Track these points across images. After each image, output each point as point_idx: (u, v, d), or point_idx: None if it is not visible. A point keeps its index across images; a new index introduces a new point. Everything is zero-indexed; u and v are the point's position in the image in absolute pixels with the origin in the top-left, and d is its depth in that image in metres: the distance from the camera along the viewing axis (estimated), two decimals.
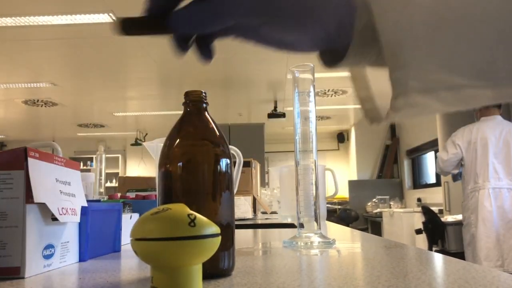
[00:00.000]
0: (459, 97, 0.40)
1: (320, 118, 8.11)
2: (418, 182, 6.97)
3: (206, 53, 0.42)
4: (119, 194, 1.12)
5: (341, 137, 9.61)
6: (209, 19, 0.39)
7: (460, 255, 3.05)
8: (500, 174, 2.89)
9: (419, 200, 6.18)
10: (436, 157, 3.66)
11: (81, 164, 8.26)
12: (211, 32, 0.41)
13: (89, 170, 6.99)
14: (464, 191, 3.07)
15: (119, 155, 9.87)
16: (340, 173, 6.69)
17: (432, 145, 5.70)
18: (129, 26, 0.40)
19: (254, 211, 2.27)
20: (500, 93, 0.39)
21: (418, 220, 4.47)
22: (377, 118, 0.45)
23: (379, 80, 0.44)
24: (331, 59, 0.43)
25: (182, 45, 0.41)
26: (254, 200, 2.31)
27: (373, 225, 7.16)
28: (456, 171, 3.08)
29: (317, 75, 0.79)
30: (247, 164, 2.31)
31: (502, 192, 2.86)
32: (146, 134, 9.12)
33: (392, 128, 7.79)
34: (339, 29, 0.40)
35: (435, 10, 0.37)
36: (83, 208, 0.62)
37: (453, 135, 3.14)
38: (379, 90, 0.45)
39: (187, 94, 0.53)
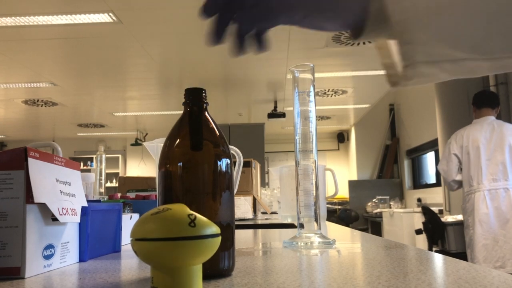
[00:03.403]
0: (460, 68, 0.48)
1: (320, 118, 8.11)
2: (418, 182, 6.97)
3: (263, 45, 0.52)
4: (119, 194, 1.12)
5: (341, 137, 9.61)
6: (267, 17, 0.49)
7: (460, 255, 3.04)
8: (495, 175, 2.88)
9: (419, 200, 6.18)
10: (436, 158, 3.65)
11: (81, 164, 8.27)
12: (266, 27, 0.50)
13: (89, 170, 7.00)
14: (463, 194, 3.08)
15: (119, 155, 9.86)
16: (340, 173, 6.69)
17: (432, 145, 5.69)
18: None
19: (254, 211, 2.27)
20: (495, 65, 0.47)
21: (418, 220, 4.47)
22: (397, 83, 0.53)
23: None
24: (354, 34, 0.53)
25: (241, 42, 0.50)
26: (254, 200, 2.31)
27: (373, 225, 7.16)
28: (460, 177, 3.06)
29: (317, 75, 0.79)
30: (247, 164, 2.31)
31: (499, 193, 2.85)
32: (146, 134, 9.12)
33: (392, 128, 7.79)
34: (360, 14, 0.50)
35: None
36: (83, 208, 0.62)
37: (448, 143, 3.15)
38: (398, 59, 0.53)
39: (187, 91, 0.53)
